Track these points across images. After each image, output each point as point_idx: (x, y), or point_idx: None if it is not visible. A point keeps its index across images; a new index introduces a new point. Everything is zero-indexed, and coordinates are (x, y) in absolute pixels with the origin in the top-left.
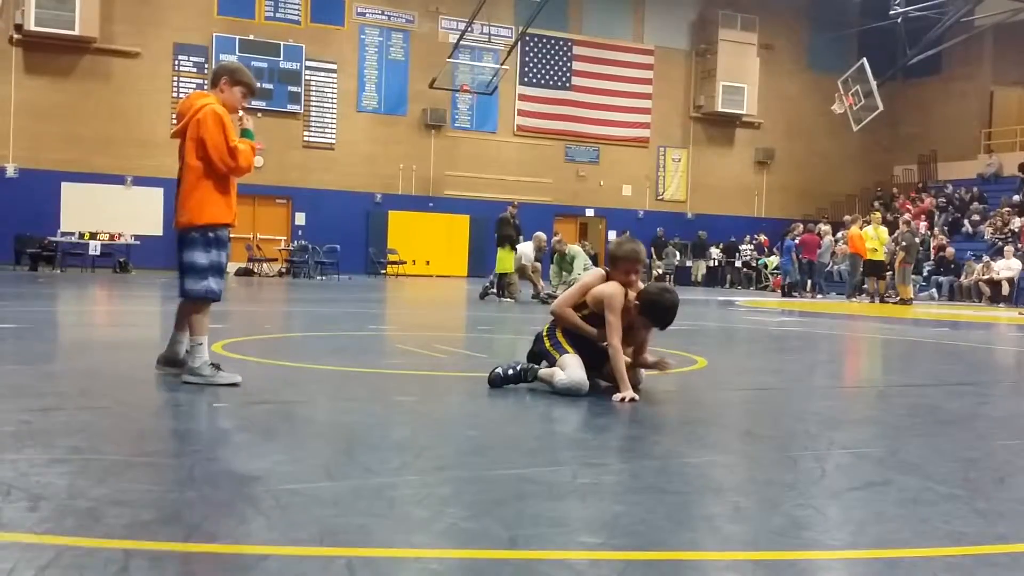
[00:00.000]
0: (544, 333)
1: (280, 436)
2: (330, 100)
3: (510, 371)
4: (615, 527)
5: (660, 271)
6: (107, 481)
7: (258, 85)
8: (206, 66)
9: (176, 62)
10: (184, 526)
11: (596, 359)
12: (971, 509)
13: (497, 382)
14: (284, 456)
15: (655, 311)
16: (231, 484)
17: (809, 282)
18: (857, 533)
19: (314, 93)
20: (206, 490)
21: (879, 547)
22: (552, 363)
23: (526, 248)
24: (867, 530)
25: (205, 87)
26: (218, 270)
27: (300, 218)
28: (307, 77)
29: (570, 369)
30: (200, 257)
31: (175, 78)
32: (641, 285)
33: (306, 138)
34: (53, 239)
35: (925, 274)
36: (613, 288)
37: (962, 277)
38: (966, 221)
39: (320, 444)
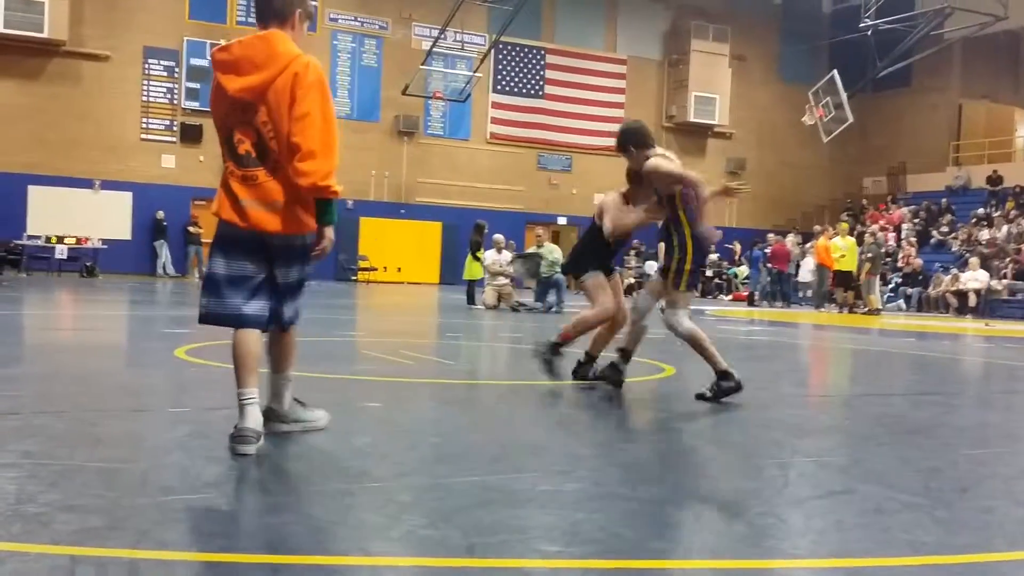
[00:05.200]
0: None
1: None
2: None
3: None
4: (575, 535)
5: (631, 279)
6: (58, 486)
7: None
8: (176, 70)
9: (146, 66)
10: (133, 533)
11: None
12: (932, 519)
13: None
14: (241, 463)
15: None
16: (184, 491)
17: (779, 292)
18: (818, 542)
19: None
20: (158, 497)
21: (840, 556)
22: None
23: (490, 254)
24: (828, 539)
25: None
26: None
27: None
28: None
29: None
30: (305, 271)
31: (145, 82)
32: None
33: None
34: (19, 242)
35: (893, 285)
36: (655, 159)
37: (930, 288)
38: (935, 232)
39: (279, 451)
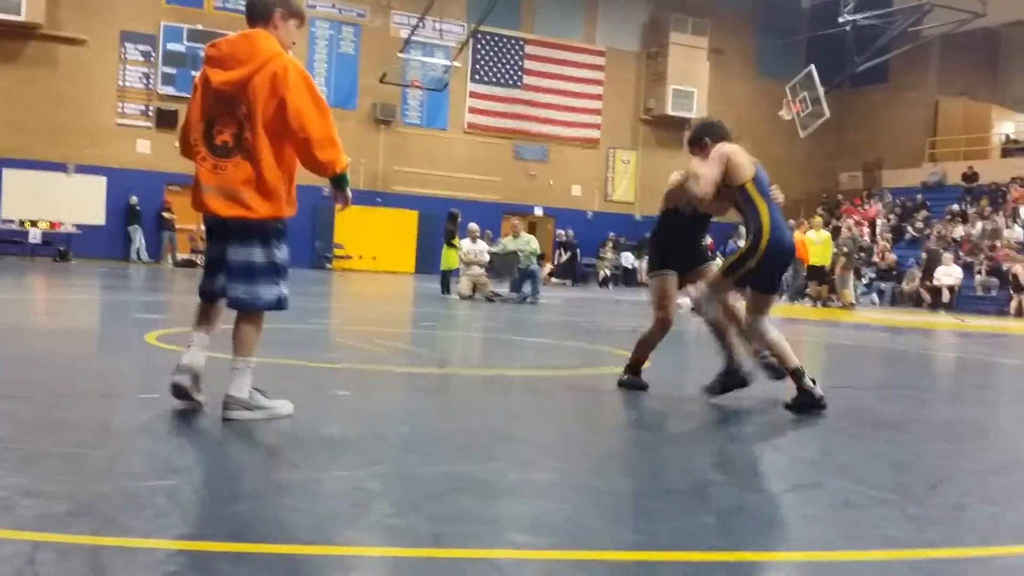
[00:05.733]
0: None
1: (206, 430)
2: None
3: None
4: (543, 525)
5: (607, 272)
6: (23, 471)
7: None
8: (152, 55)
9: (123, 50)
10: (96, 519)
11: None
12: (902, 514)
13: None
14: (208, 450)
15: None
16: (150, 478)
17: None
18: (787, 535)
19: None
20: (124, 483)
21: (809, 549)
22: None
23: (465, 243)
24: (797, 532)
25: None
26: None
27: None
28: None
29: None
30: (273, 255)
31: (121, 67)
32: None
33: None
34: None
35: (867, 280)
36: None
37: (904, 283)
38: (909, 228)
39: (247, 438)
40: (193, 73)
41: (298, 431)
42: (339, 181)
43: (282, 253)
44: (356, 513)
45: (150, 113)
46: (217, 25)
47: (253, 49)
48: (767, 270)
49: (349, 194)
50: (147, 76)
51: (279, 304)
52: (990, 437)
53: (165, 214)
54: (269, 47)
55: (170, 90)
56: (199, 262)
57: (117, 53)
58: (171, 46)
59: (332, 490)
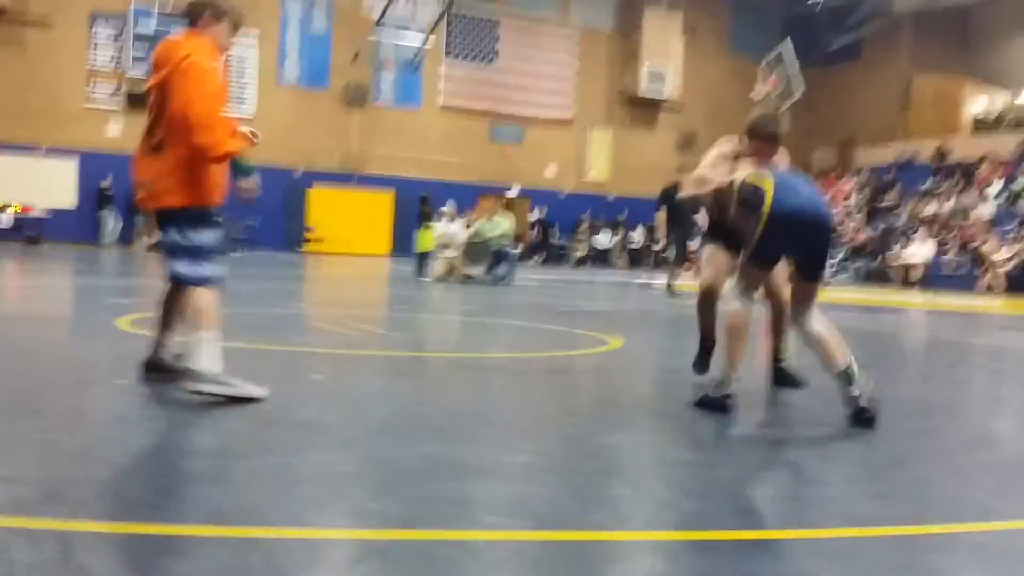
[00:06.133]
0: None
1: (180, 415)
2: (250, 72)
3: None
4: (517, 507)
5: (581, 253)
6: None
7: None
8: (122, 36)
9: (92, 31)
10: (68, 505)
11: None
12: (871, 491)
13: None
14: (182, 435)
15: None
16: (123, 463)
17: None
18: (757, 514)
19: (233, 64)
20: (97, 469)
21: (778, 528)
22: None
23: (440, 225)
24: (766, 510)
25: (179, 30)
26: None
27: None
28: None
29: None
30: (194, 238)
31: (91, 48)
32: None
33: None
34: None
35: (840, 258)
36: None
37: (876, 261)
38: (882, 206)
39: (221, 423)
40: None
41: (272, 415)
42: (236, 168)
43: (205, 237)
44: (329, 497)
45: (120, 95)
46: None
47: (170, 53)
48: (769, 239)
49: (252, 183)
50: (117, 58)
51: (206, 282)
52: (958, 415)
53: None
54: (185, 49)
55: (141, 72)
56: None
57: (86, 34)
58: (141, 27)
59: (306, 474)
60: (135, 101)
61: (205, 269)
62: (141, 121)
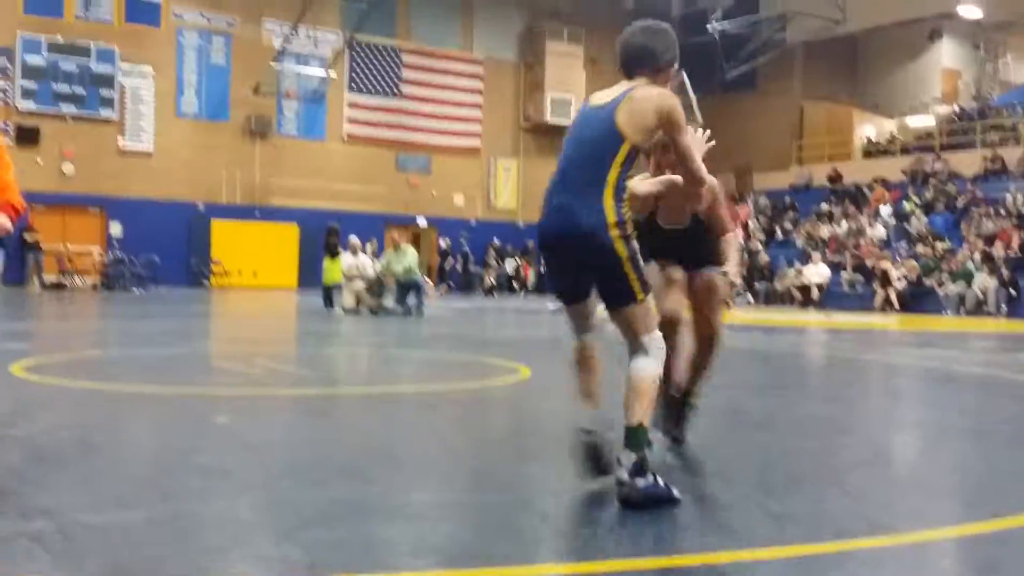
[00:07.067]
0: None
1: (75, 465)
2: (147, 105)
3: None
4: (422, 546)
5: (492, 280)
6: None
7: None
8: (9, 69)
9: None
10: None
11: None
12: (765, 512)
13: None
14: (77, 486)
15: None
16: (16, 518)
17: None
18: (656, 538)
19: (129, 98)
20: None
21: (673, 554)
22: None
23: (346, 258)
24: (664, 533)
25: None
26: None
27: (116, 228)
28: (121, 81)
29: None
30: None
31: None
32: None
33: (122, 145)
34: None
35: (741, 281)
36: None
37: (775, 282)
38: (778, 228)
39: (118, 472)
40: (54, 87)
41: (171, 461)
42: None
43: None
44: (229, 544)
45: (9, 130)
46: (78, 35)
47: None
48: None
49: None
50: (4, 91)
51: None
52: (851, 434)
53: (28, 235)
54: None
55: (30, 105)
56: (68, 284)
57: None
58: (30, 58)
59: (206, 522)
60: (25, 136)
61: None
62: (32, 157)
